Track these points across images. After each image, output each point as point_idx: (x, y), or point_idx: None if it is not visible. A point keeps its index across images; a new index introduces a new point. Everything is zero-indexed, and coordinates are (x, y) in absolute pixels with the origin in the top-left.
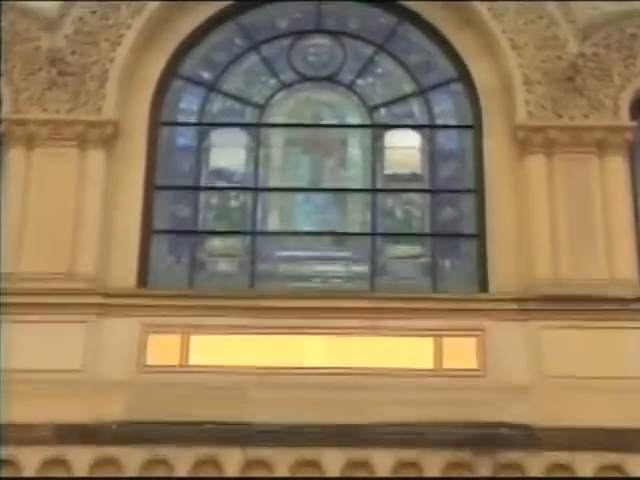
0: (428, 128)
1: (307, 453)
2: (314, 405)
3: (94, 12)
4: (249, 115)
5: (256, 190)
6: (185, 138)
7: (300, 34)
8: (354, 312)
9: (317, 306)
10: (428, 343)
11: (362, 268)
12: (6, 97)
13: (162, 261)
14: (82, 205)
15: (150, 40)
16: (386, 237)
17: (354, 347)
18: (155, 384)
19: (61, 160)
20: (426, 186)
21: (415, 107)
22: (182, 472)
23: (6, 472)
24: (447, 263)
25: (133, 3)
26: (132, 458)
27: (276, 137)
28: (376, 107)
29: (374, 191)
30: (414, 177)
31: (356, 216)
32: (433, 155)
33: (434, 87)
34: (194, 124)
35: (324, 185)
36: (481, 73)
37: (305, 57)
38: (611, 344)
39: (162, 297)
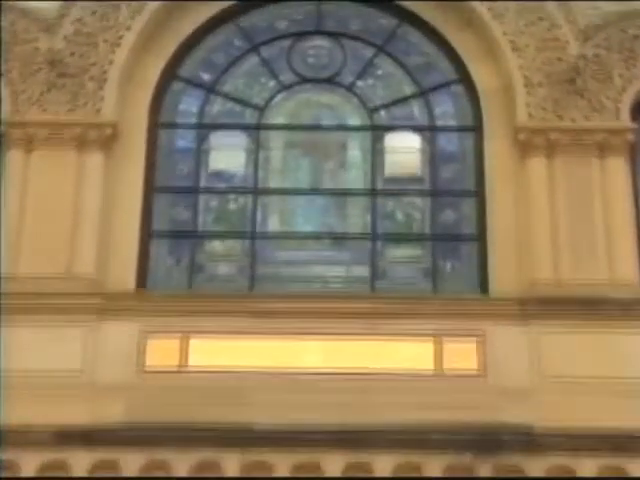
0: (428, 130)
1: (307, 456)
2: (314, 408)
3: (94, 13)
4: (249, 117)
5: (256, 192)
6: (184, 140)
7: (300, 35)
8: (354, 315)
9: (317, 309)
10: (428, 345)
11: (362, 270)
12: (5, 98)
13: (161, 263)
14: (81, 207)
15: (149, 41)
16: (386, 239)
17: (354, 350)
18: (154, 386)
19: (60, 162)
20: (426, 188)
21: (415, 109)
22: (182, 475)
23: (5, 475)
24: (447, 265)
25: (132, 4)
26: (131, 461)
27: (276, 139)
28: (376, 109)
29: (374, 193)
30: (414, 179)
31: (356, 218)
32: (433, 157)
33: (434, 89)
34: (193, 126)
35: (324, 187)
36: (482, 75)
37: (305, 59)
38: (612, 346)
39: (161, 299)
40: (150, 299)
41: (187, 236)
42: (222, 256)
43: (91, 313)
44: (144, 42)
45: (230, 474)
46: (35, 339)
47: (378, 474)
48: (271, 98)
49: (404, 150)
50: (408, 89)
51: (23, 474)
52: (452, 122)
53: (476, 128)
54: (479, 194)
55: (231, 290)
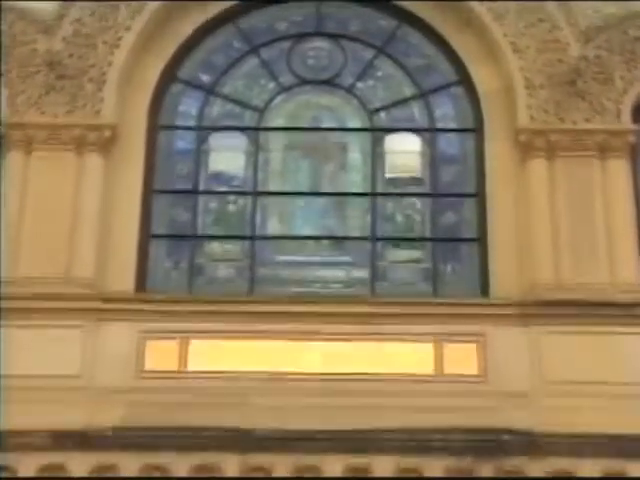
0: (429, 132)
1: (307, 459)
2: (314, 411)
3: (92, 14)
4: (248, 119)
5: (255, 194)
6: (184, 142)
7: (300, 37)
8: (354, 317)
9: (317, 311)
10: (429, 348)
11: (362, 273)
12: (4, 100)
13: (160, 266)
14: (80, 209)
15: (149, 43)
16: (386, 242)
17: (354, 353)
18: (153, 390)
19: (59, 164)
20: (427, 190)
21: (416, 110)
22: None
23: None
24: (448, 268)
25: (131, 5)
26: (130, 465)
27: (275, 141)
28: (376, 111)
29: (374, 195)
30: (414, 181)
31: (356, 220)
32: (434, 159)
33: (435, 90)
34: (193, 128)
35: (324, 189)
36: (482, 76)
37: (305, 60)
38: (613, 349)
39: (160, 302)
40: (149, 301)
41: (186, 238)
42: (221, 258)
43: (90, 315)
44: (143, 43)
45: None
46: (33, 341)
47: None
48: (271, 100)
49: (404, 152)
50: (408, 91)
51: None
52: (452, 124)
53: (476, 130)
54: (479, 196)
55: (230, 292)
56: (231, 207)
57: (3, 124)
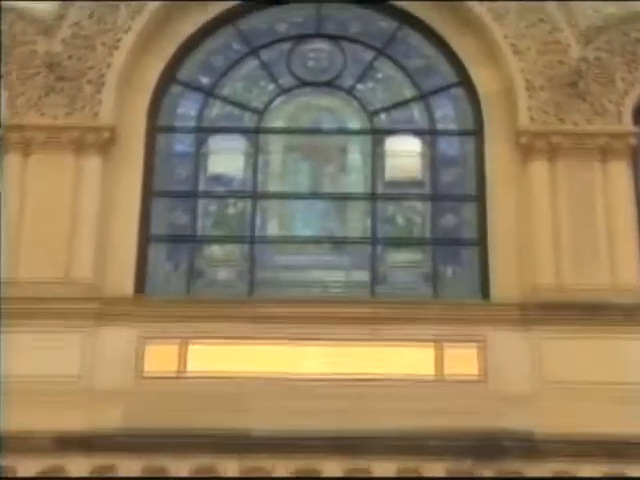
0: (429, 133)
1: (306, 462)
2: (313, 414)
3: (91, 16)
4: (248, 121)
5: (255, 196)
6: (183, 144)
7: (299, 38)
8: (354, 320)
9: (317, 314)
10: (429, 351)
11: (362, 275)
12: (3, 102)
13: (160, 268)
14: (79, 211)
15: (148, 45)
16: (386, 244)
17: (354, 355)
18: (153, 392)
19: (58, 165)
20: (427, 192)
21: (416, 112)
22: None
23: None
24: (448, 270)
25: (131, 6)
26: (130, 467)
27: (275, 143)
28: (376, 112)
29: (374, 197)
30: (415, 183)
31: (356, 223)
32: (434, 161)
33: (435, 92)
34: (192, 130)
35: (324, 191)
36: (482, 78)
37: (304, 62)
38: (613, 352)
39: (160, 305)
40: (148, 304)
41: (186, 241)
42: (221, 261)
43: (89, 318)
44: (142, 45)
45: None
46: (32, 344)
47: None
48: (270, 101)
49: (404, 154)
50: (408, 92)
51: None
52: (453, 126)
53: (477, 132)
54: (480, 198)
55: (230, 295)
56: (231, 209)
57: (2, 126)
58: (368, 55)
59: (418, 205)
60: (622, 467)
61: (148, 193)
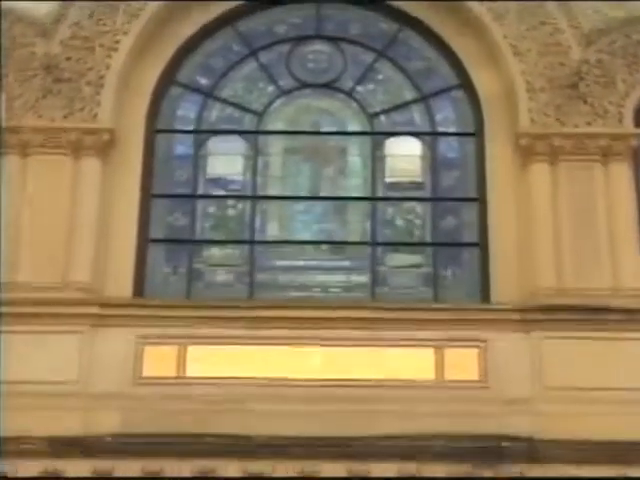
0: (429, 136)
1: (306, 466)
2: (313, 417)
3: (90, 17)
4: (247, 122)
5: (254, 198)
6: (182, 146)
7: (299, 40)
8: (354, 322)
9: (316, 316)
10: (429, 354)
11: (362, 278)
12: (2, 104)
13: (159, 271)
14: (77, 214)
15: (147, 46)
16: (386, 246)
17: (354, 358)
18: (151, 396)
19: (56, 168)
20: (427, 194)
21: (416, 114)
22: None
23: None
24: (448, 273)
25: (130, 8)
26: (128, 471)
27: (275, 145)
28: (376, 114)
29: (374, 200)
30: (415, 185)
31: (356, 225)
32: (434, 163)
33: (435, 94)
34: (191, 131)
35: (323, 194)
36: (483, 80)
37: (304, 63)
38: (615, 355)
39: (159, 307)
40: (147, 307)
41: (185, 243)
42: (220, 263)
43: (87, 321)
44: (141, 47)
45: None
46: (30, 347)
47: None
48: (270, 103)
49: (404, 156)
50: (409, 94)
51: None
52: (453, 128)
53: (477, 134)
54: (480, 200)
55: (229, 298)
56: (230, 211)
57: (1, 128)
58: (368, 57)
59: (418, 207)
60: (624, 471)
61: (147, 195)
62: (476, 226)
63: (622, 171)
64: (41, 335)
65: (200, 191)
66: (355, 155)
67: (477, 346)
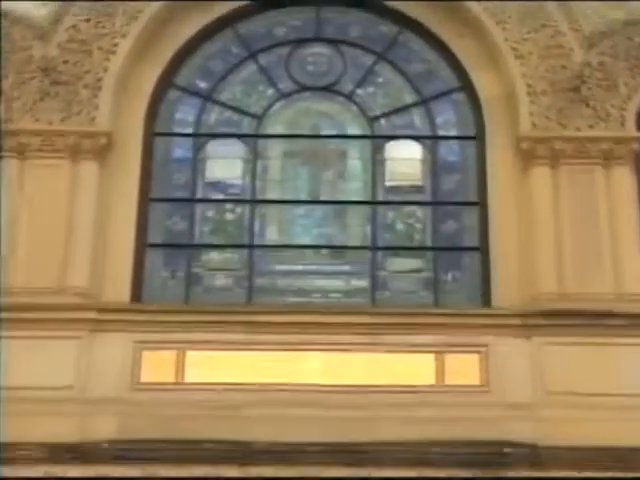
0: (430, 139)
1: (306, 472)
2: (313, 423)
3: (88, 20)
4: (246, 126)
5: (253, 202)
6: (181, 149)
7: (299, 43)
8: (354, 327)
9: (316, 321)
10: (430, 359)
11: (362, 282)
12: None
13: (157, 275)
14: (75, 218)
15: (145, 49)
16: (387, 251)
17: (354, 363)
18: (149, 402)
19: (53, 171)
20: (428, 198)
21: (416, 117)
22: None
23: None
24: (449, 277)
25: (128, 11)
26: (126, 478)
27: (274, 148)
28: (376, 117)
29: (374, 203)
30: (415, 189)
31: (356, 229)
32: (435, 167)
33: (436, 97)
34: (190, 135)
35: (323, 197)
36: (484, 83)
37: (304, 66)
38: (617, 360)
39: (157, 312)
40: (145, 312)
41: (183, 247)
42: (219, 268)
43: (84, 326)
44: (139, 49)
45: None
46: (27, 353)
47: None
48: (269, 106)
49: (405, 159)
50: (409, 97)
51: None
52: (454, 131)
53: (478, 137)
54: (481, 204)
55: (228, 302)
56: (229, 215)
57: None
58: (368, 59)
59: (419, 211)
60: (624, 477)
61: (145, 199)
62: (477, 230)
63: (624, 175)
64: (38, 340)
65: (199, 195)
66: (355, 158)
67: (478, 351)
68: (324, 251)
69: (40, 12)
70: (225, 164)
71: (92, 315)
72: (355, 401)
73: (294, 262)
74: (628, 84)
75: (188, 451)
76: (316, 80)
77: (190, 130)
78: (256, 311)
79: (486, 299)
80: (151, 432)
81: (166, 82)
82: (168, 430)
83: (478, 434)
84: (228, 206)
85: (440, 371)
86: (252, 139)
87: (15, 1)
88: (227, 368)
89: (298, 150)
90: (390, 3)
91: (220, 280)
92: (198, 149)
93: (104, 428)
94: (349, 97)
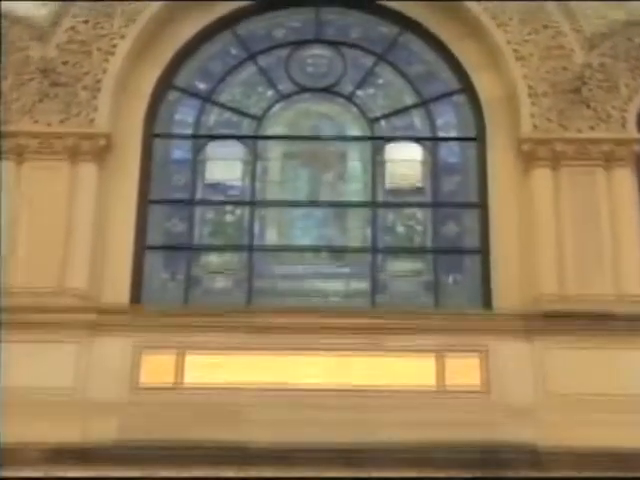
0: (430, 141)
1: (306, 474)
2: (313, 426)
3: (87, 21)
4: (246, 127)
5: (253, 204)
6: (180, 151)
7: (298, 44)
8: (354, 330)
9: (316, 324)
10: (430, 362)
11: (362, 285)
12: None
13: (156, 277)
14: (74, 220)
15: (144, 50)
16: (387, 253)
17: (354, 366)
18: (149, 404)
19: (52, 173)
20: (428, 200)
21: (417, 119)
22: None
23: None
24: (450, 279)
25: (127, 12)
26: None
27: (274, 150)
28: (377, 119)
29: (374, 205)
30: (416, 191)
31: (356, 231)
32: (435, 168)
33: (436, 98)
34: (189, 136)
35: (323, 199)
36: (485, 84)
37: (304, 67)
38: (618, 363)
39: (156, 314)
40: (145, 314)
41: (183, 249)
42: (219, 270)
43: (84, 328)
44: (139, 51)
45: None
46: (26, 355)
47: None
48: (269, 108)
49: (405, 161)
50: (409, 99)
51: None
52: (454, 133)
53: (479, 139)
54: (482, 206)
55: (228, 305)
56: (228, 217)
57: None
58: (368, 61)
59: (419, 213)
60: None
61: (144, 201)
62: (477, 232)
63: (625, 176)
64: (37, 342)
65: (198, 196)
66: (355, 160)
67: (479, 353)
68: (324, 253)
69: (39, 13)
70: (225, 165)
71: (91, 317)
72: (355, 403)
73: (294, 264)
74: (629, 85)
75: (188, 453)
76: (316, 81)
77: (189, 131)
78: (256, 313)
79: (487, 301)
80: (151, 434)
81: (165, 83)
82: (168, 432)
83: (479, 436)
84: (228, 208)
85: (441, 373)
86: (252, 140)
87: (14, 1)
88: (226, 370)
89: (298, 152)
90: (390, 4)
91: (220, 282)
92: (198, 150)
93: (104, 430)
94: (349, 98)
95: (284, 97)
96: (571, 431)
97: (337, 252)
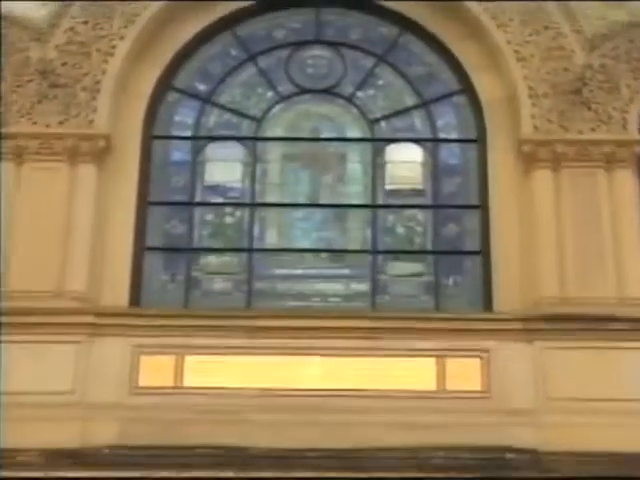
0: (430, 142)
1: (305, 477)
2: (313, 428)
3: (86, 22)
4: (246, 129)
5: (253, 206)
6: (180, 152)
7: (298, 45)
8: (354, 332)
9: (316, 326)
10: (431, 364)
11: (362, 286)
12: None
13: (155, 279)
14: (73, 221)
15: (144, 51)
16: (387, 254)
17: (354, 368)
18: (148, 406)
19: (51, 174)
20: (428, 202)
21: (417, 120)
22: None
23: None
24: (450, 281)
25: (126, 13)
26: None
27: (273, 151)
28: (377, 120)
29: (375, 207)
30: (416, 192)
31: (356, 233)
32: (435, 170)
33: (437, 100)
34: (189, 138)
35: (323, 201)
36: (485, 85)
37: (303, 69)
38: (620, 365)
39: (155, 316)
40: (144, 316)
41: (182, 251)
42: (218, 271)
43: (83, 331)
44: (138, 51)
45: None
46: (25, 358)
47: None
48: (269, 109)
49: (405, 163)
50: (409, 100)
51: None
52: (455, 134)
53: (479, 140)
54: (482, 208)
55: (227, 306)
56: (228, 219)
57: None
58: (368, 62)
59: (419, 215)
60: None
61: (144, 202)
62: (478, 234)
63: (626, 178)
64: (36, 345)
65: (198, 198)
66: (355, 162)
67: (479, 356)
68: (324, 255)
69: (38, 14)
70: (224, 167)
71: (90, 319)
72: (355, 406)
73: (294, 266)
74: (630, 86)
75: (187, 455)
76: (316, 83)
77: (189, 133)
78: (255, 315)
79: (487, 303)
80: (150, 437)
81: (165, 84)
82: (167, 435)
83: (479, 439)
84: (227, 209)
85: (441, 376)
86: (251, 142)
87: (14, 1)
88: (226, 372)
89: (298, 153)
90: (390, 4)
91: (219, 284)
92: (197, 152)
93: (103, 433)
94: (349, 100)
95: (284, 98)
96: (572, 434)
97: (337, 254)
